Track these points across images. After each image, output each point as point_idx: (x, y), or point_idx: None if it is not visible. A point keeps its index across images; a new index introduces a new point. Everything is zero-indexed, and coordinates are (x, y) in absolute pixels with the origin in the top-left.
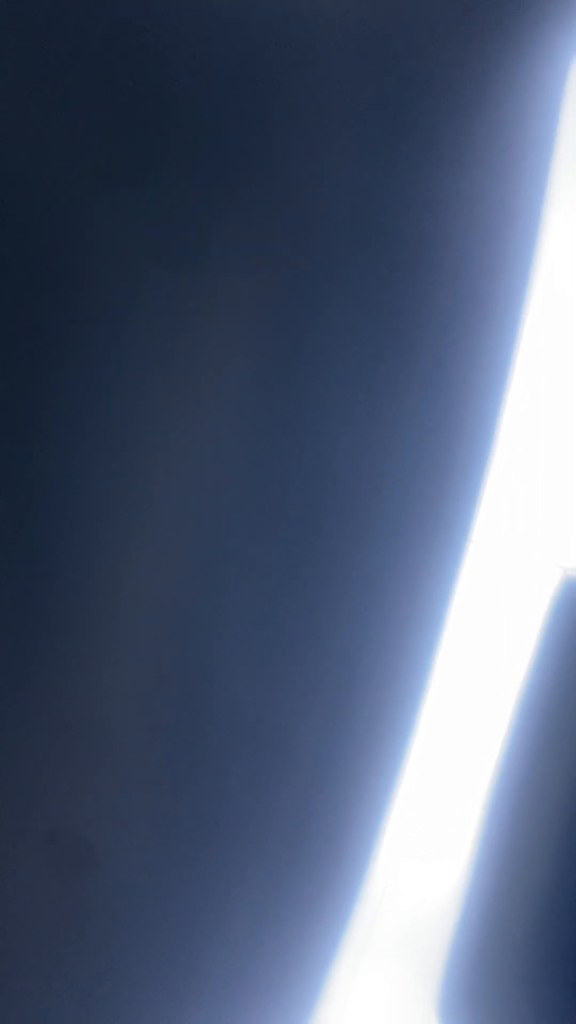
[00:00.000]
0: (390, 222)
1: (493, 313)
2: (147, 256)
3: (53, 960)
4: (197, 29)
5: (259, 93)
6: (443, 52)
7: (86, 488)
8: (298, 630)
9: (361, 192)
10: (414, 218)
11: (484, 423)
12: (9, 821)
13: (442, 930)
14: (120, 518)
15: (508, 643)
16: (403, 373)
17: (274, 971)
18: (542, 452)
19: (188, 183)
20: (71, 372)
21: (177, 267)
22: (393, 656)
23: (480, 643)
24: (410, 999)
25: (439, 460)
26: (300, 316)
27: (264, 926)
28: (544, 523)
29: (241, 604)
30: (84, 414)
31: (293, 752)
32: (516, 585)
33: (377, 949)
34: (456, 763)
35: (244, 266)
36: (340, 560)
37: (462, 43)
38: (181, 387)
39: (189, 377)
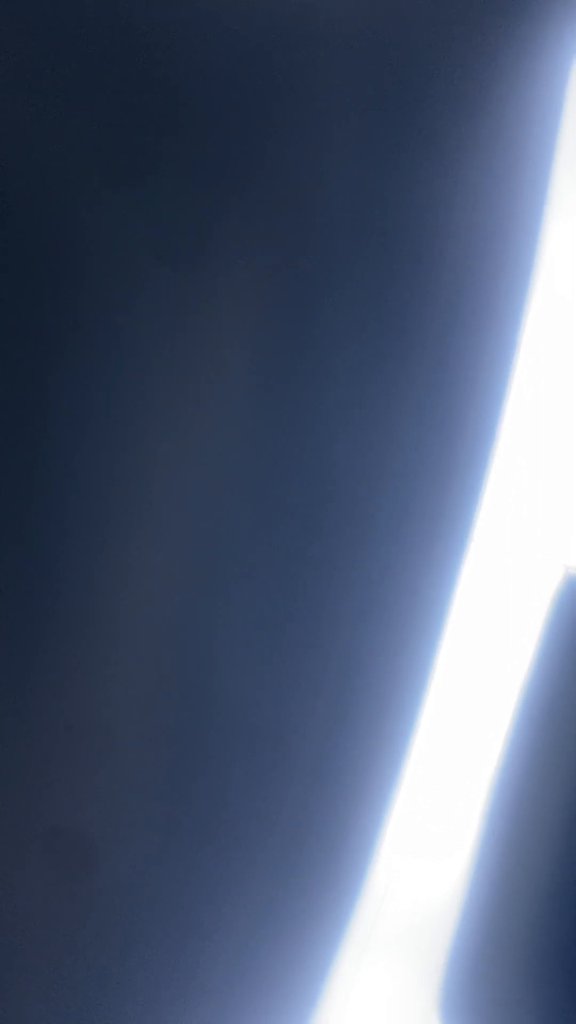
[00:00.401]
0: (391, 222)
1: (494, 313)
2: (147, 255)
3: (53, 959)
4: (197, 29)
5: (259, 92)
6: (444, 51)
7: (86, 488)
8: (299, 630)
9: (362, 191)
10: (415, 217)
11: (485, 422)
12: (9, 820)
13: (443, 929)
14: (120, 518)
15: (509, 642)
16: (404, 372)
17: (275, 970)
18: (543, 451)
19: (188, 182)
20: (70, 371)
21: (177, 266)
22: (394, 655)
23: (481, 642)
24: (411, 998)
25: (440, 459)
26: (300, 316)
27: (265, 925)
28: (545, 522)
29: (242, 604)
30: (83, 414)
31: (295, 751)
32: (518, 584)
33: (378, 948)
34: (457, 762)
35: (244, 265)
36: (341, 560)
37: (463, 43)
38: (181, 386)
39: (189, 376)
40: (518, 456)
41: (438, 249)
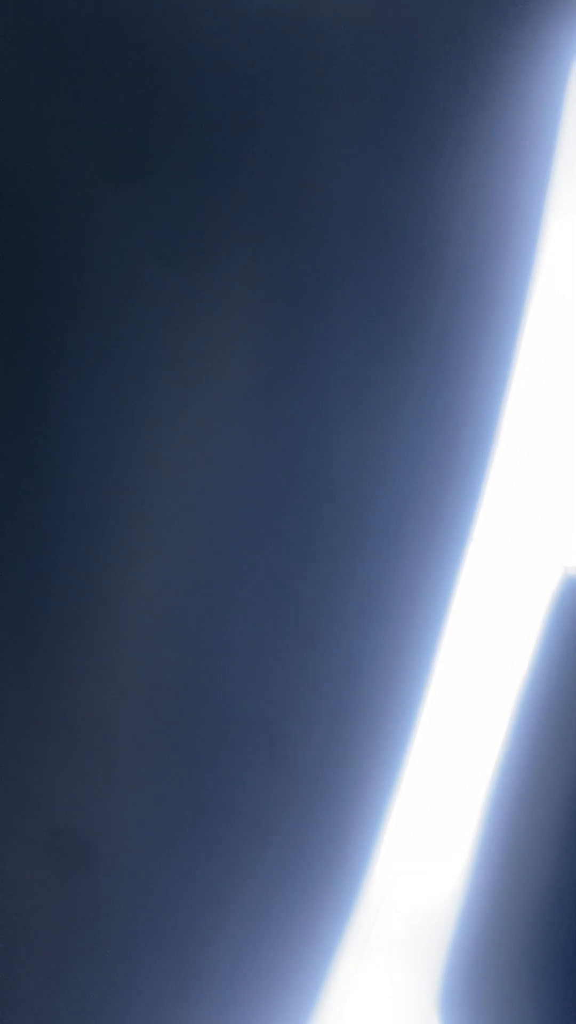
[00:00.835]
0: (391, 222)
1: (494, 313)
2: (147, 255)
3: (52, 959)
4: (198, 29)
5: (260, 92)
6: (444, 52)
7: (86, 487)
8: (299, 630)
9: (362, 191)
10: (415, 217)
11: (485, 422)
12: (9, 819)
13: (443, 929)
14: (120, 518)
15: (509, 642)
16: (404, 372)
17: (275, 970)
18: (543, 451)
19: (188, 182)
20: (70, 371)
21: (177, 266)
22: (394, 656)
23: (481, 642)
24: (411, 998)
25: (440, 459)
26: (301, 315)
27: (265, 925)
28: (545, 522)
29: (242, 604)
30: (83, 412)
31: (295, 751)
32: (517, 584)
33: (378, 948)
34: (457, 763)
35: (244, 265)
36: (340, 560)
37: (463, 43)
38: (181, 385)
39: (189, 376)
40: (518, 456)
41: (438, 249)
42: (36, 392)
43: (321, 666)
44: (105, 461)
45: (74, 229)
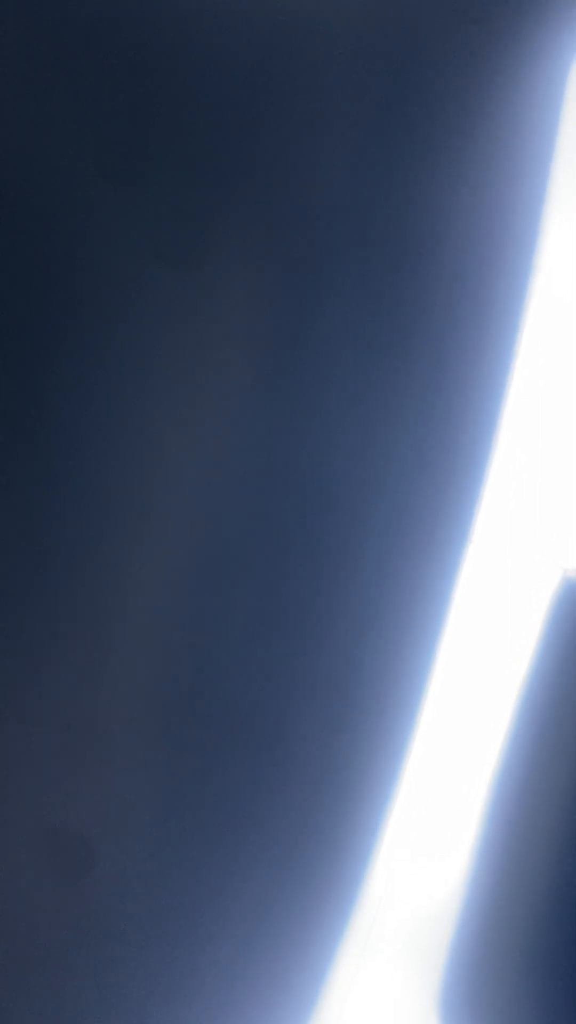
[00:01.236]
0: (391, 222)
1: (493, 313)
2: (147, 255)
3: (52, 958)
4: (199, 30)
5: (260, 93)
6: (444, 52)
7: (87, 487)
8: (299, 631)
9: (362, 191)
10: (415, 217)
11: (484, 423)
12: (9, 819)
13: (443, 929)
14: (120, 517)
15: (508, 643)
16: (403, 373)
17: (275, 970)
18: (542, 452)
19: (188, 182)
20: (71, 371)
21: (177, 266)
22: (393, 656)
23: (480, 643)
24: (410, 998)
25: (439, 460)
26: (300, 316)
27: (265, 925)
28: (544, 523)
29: (241, 604)
30: (83, 412)
31: (294, 751)
32: (516, 585)
33: (378, 949)
34: (456, 763)
35: (244, 265)
36: (341, 561)
37: (463, 43)
38: (181, 386)
39: (189, 376)
40: (518, 457)
41: (438, 249)
42: (36, 392)
43: (321, 666)
44: (105, 461)
45: (74, 229)
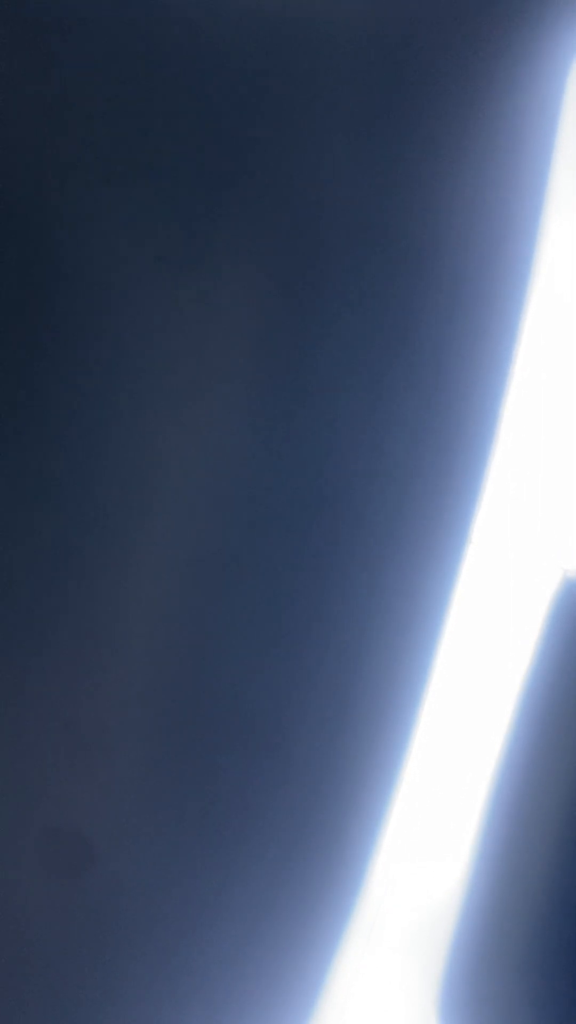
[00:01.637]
0: (391, 224)
1: (494, 314)
2: (147, 256)
3: (52, 959)
4: (199, 31)
5: (260, 94)
6: (444, 52)
7: (87, 488)
8: (298, 630)
9: (362, 192)
10: (415, 217)
11: (484, 424)
12: (8, 818)
13: (443, 929)
14: (121, 517)
15: (508, 644)
16: (403, 374)
17: (275, 969)
18: (542, 453)
19: (189, 183)
20: (71, 372)
21: (178, 269)
22: (393, 657)
23: (480, 644)
24: (411, 998)
25: (439, 460)
26: (301, 318)
27: (265, 925)
28: (544, 524)
29: (241, 604)
30: (84, 413)
31: (294, 751)
32: (516, 586)
33: (378, 948)
34: (456, 763)
35: (244, 266)
36: (339, 560)
37: (463, 43)
38: (182, 389)
39: (190, 379)
40: (517, 457)
41: (438, 249)
42: (36, 393)
43: (321, 666)
44: (105, 462)
45: (74, 229)
